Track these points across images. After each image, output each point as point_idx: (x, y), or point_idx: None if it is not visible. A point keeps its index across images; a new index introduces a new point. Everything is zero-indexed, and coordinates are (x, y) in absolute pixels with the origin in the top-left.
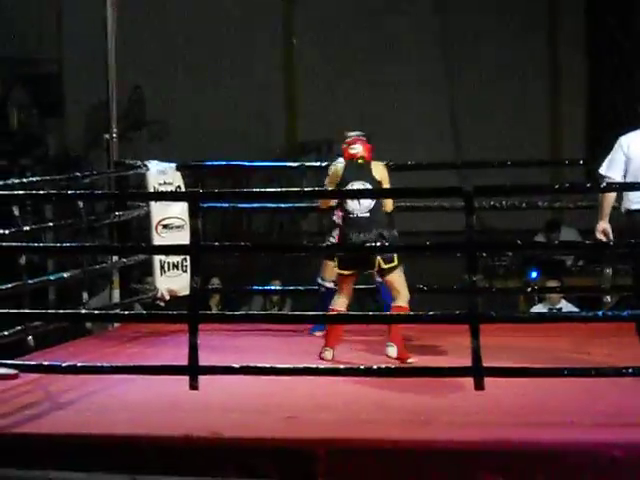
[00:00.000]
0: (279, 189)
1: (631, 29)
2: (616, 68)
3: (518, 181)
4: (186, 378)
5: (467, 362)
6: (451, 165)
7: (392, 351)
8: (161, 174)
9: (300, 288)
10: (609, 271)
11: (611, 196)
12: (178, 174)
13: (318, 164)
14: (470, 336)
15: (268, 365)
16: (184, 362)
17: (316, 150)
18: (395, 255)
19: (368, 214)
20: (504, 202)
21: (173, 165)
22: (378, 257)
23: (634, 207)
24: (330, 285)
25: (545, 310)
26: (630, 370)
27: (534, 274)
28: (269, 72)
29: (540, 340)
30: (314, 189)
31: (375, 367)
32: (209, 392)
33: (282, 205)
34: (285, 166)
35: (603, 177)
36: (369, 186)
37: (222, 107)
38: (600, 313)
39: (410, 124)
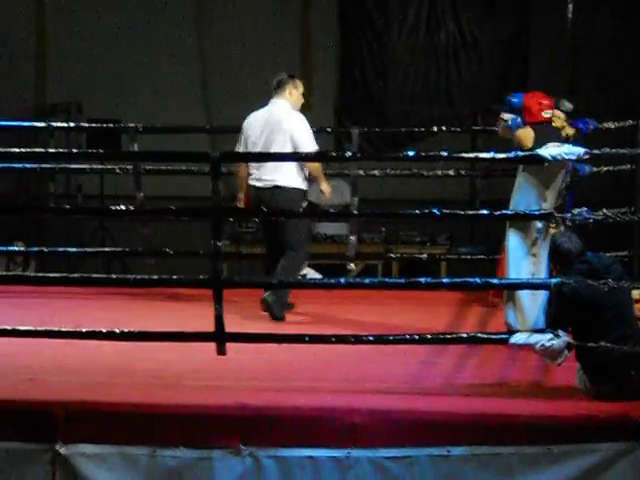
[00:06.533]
0: (27, 149)
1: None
2: (367, 40)
3: None
4: None
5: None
6: (200, 129)
7: None
8: None
9: (44, 249)
10: (353, 239)
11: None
12: None
13: (66, 125)
14: (213, 301)
15: (9, 327)
16: None
17: (65, 111)
18: None
19: None
20: None
21: None
22: None
23: (251, 183)
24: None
25: None
26: (370, 337)
27: None
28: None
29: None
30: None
31: (118, 331)
32: None
33: (28, 165)
34: (33, 126)
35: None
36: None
37: None
38: (342, 280)
39: (162, 84)
